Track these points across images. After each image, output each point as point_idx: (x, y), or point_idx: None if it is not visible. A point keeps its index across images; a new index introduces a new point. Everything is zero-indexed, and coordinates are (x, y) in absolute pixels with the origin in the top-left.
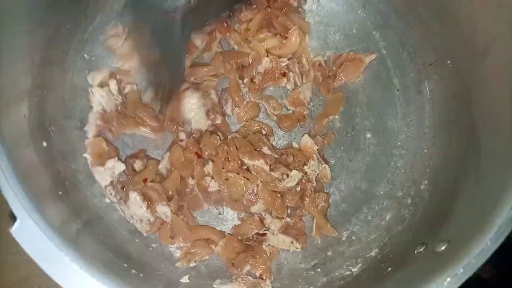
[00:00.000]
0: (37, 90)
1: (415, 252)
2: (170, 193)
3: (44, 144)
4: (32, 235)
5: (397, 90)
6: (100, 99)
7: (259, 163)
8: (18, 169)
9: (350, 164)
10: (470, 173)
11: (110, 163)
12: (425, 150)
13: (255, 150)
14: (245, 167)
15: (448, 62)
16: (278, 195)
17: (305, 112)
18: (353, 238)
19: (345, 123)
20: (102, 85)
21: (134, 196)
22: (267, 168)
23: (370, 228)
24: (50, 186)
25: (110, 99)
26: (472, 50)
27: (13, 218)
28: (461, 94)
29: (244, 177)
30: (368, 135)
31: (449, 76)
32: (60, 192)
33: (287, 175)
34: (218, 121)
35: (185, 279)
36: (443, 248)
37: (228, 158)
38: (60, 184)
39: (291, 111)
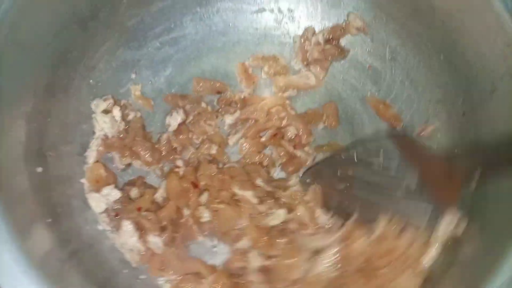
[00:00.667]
0: (38, 115)
1: None
2: (164, 223)
3: (39, 169)
4: (10, 269)
5: (403, 126)
6: (103, 125)
7: (248, 194)
8: (6, 197)
9: None
10: (475, 220)
11: (106, 190)
12: None
13: (248, 180)
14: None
15: (457, 99)
16: (265, 231)
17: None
18: None
19: None
20: (106, 111)
21: (127, 225)
22: (254, 200)
23: None
24: (39, 213)
25: (113, 125)
26: (480, 88)
27: None
28: (469, 132)
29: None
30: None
31: (456, 114)
32: (50, 220)
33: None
34: (213, 151)
35: None
36: None
37: (222, 188)
38: (50, 211)
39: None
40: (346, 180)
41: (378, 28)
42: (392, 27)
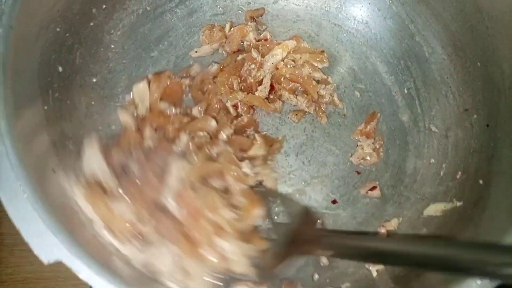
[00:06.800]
0: None
1: None
2: None
3: None
4: None
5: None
6: None
7: None
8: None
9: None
10: (468, 230)
11: None
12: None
13: None
14: None
15: (484, 111)
16: None
17: None
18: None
19: None
20: None
21: None
22: None
23: None
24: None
25: None
26: (510, 103)
27: None
28: (487, 146)
29: None
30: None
31: (480, 126)
32: None
33: None
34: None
35: None
36: None
37: None
38: None
39: None
40: None
41: (422, 27)
42: (435, 27)
